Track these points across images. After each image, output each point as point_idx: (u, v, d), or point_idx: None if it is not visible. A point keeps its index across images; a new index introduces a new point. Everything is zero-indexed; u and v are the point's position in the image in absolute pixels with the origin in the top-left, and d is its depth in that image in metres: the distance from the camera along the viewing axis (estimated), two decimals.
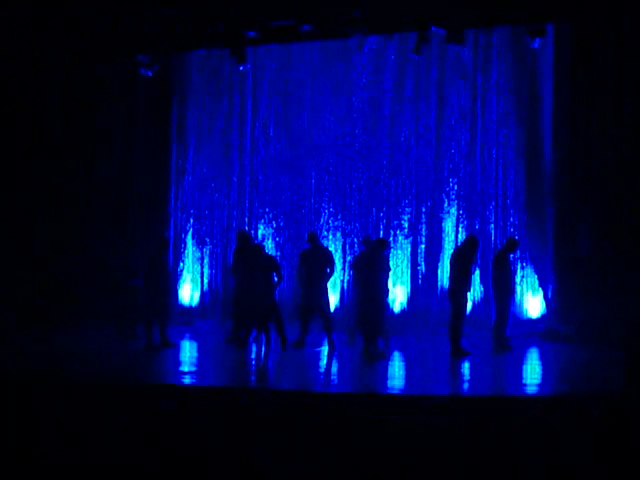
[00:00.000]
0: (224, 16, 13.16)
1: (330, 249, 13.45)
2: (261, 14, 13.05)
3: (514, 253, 12.62)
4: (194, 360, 12.21)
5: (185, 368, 11.05)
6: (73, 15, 13.11)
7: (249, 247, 12.77)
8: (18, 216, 14.64)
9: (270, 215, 15.14)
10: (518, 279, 13.51)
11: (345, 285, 14.52)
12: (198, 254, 15.49)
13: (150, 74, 14.06)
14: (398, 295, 14.15)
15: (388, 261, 12.51)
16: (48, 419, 7.80)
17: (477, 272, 13.38)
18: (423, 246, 14.30)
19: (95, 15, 13.16)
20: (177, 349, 12.41)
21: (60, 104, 14.85)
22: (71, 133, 14.94)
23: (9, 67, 14.17)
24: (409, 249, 14.33)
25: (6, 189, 14.61)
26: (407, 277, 14.29)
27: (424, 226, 14.32)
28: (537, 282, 13.66)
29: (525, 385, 10.02)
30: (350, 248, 14.60)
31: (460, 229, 14.12)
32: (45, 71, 14.51)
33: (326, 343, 12.21)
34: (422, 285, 14.25)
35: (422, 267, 14.27)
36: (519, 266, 13.61)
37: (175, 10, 13.06)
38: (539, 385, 10.02)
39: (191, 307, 15.40)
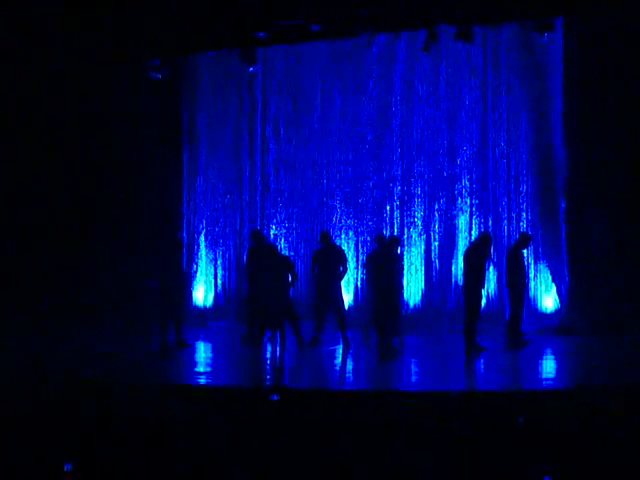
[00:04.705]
0: (233, 17, 13.20)
1: (343, 248, 13.46)
2: (270, 14, 13.08)
3: (527, 248, 12.60)
4: (209, 360, 12.26)
5: (200, 368, 11.09)
6: (82, 17, 13.17)
7: (263, 247, 12.79)
8: (39, 223, 14.73)
9: (282, 215, 15.15)
10: (532, 274, 13.51)
11: (359, 283, 14.53)
12: (211, 255, 15.51)
13: (159, 77, 14.13)
14: (412, 292, 14.15)
15: (401, 259, 12.50)
16: (63, 418, 7.84)
17: (491, 268, 13.38)
18: (437, 243, 14.29)
19: (104, 18, 13.22)
20: (192, 350, 12.46)
21: (70, 108, 14.88)
22: (81, 138, 14.99)
23: (21, 69, 14.24)
24: (423, 246, 14.33)
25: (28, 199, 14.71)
26: (421, 274, 14.28)
27: (437, 223, 14.31)
28: (550, 277, 13.64)
29: (541, 379, 10.01)
30: (363, 247, 14.59)
31: (473, 226, 14.11)
32: (54, 76, 14.55)
33: (341, 341, 12.23)
34: (436, 282, 14.24)
35: (436, 264, 14.27)
36: (532, 262, 13.61)
37: (184, 12, 13.10)
38: (554, 379, 10.01)
39: (205, 308, 15.42)
